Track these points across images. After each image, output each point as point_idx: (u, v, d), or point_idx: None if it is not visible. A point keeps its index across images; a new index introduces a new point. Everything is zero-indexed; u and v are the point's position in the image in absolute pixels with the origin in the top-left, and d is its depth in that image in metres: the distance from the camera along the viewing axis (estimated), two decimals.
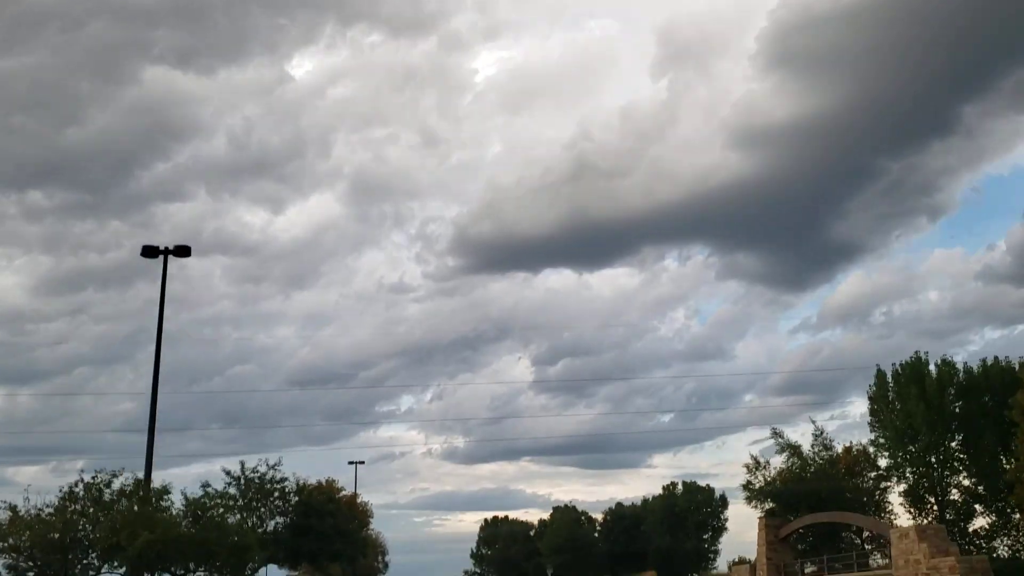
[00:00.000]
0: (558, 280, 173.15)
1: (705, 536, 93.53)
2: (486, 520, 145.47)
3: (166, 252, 30.67)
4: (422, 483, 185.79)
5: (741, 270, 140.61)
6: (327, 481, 60.68)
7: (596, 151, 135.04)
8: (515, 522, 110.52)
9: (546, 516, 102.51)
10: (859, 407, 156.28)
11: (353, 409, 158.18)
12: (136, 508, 28.22)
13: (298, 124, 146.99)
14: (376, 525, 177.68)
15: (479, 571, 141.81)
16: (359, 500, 63.34)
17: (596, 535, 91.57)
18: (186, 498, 34.90)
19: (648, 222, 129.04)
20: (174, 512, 31.99)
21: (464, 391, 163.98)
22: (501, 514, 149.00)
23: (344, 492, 61.52)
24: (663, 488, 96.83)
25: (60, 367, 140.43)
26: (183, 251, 30.63)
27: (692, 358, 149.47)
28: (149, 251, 30.34)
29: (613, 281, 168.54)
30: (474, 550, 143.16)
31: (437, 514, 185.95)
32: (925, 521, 46.91)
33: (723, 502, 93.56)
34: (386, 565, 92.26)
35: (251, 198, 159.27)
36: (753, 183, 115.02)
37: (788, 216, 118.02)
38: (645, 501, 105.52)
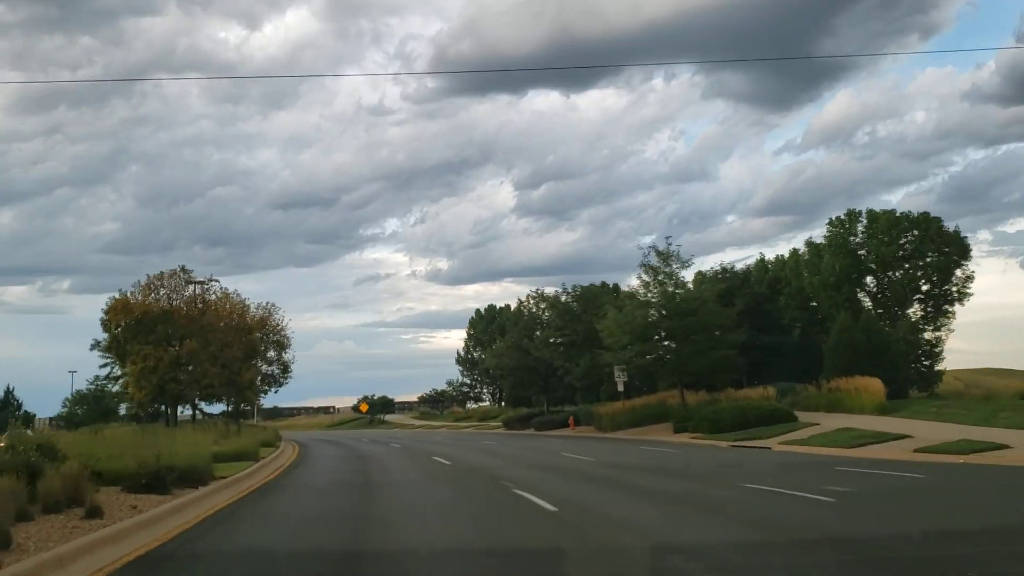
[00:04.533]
0: (544, 102, 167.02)
1: (917, 314, 47.78)
2: (478, 312, 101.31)
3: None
4: (408, 303, 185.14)
5: (727, 89, 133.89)
6: None
7: None
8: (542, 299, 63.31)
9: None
10: None
11: (337, 232, 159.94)
12: None
13: None
14: (362, 342, 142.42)
15: (468, 381, 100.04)
16: None
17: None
18: None
19: (635, 40, 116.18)
20: None
21: (447, 215, 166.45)
22: (501, 303, 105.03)
23: None
24: (831, 223, 49.89)
25: (39, 188, 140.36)
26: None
27: (676, 180, 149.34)
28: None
29: (600, 102, 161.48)
30: (461, 353, 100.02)
31: (423, 332, 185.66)
32: None
33: (960, 249, 47.01)
34: (284, 368, 46.15)
35: (224, 12, 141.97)
36: None
37: (775, 33, 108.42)
38: (764, 262, 59.53)
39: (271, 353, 45.59)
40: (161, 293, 37.90)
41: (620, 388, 42.15)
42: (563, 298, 46.93)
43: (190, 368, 37.21)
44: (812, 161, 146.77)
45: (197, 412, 48.86)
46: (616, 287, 54.46)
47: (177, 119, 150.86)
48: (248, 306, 44.35)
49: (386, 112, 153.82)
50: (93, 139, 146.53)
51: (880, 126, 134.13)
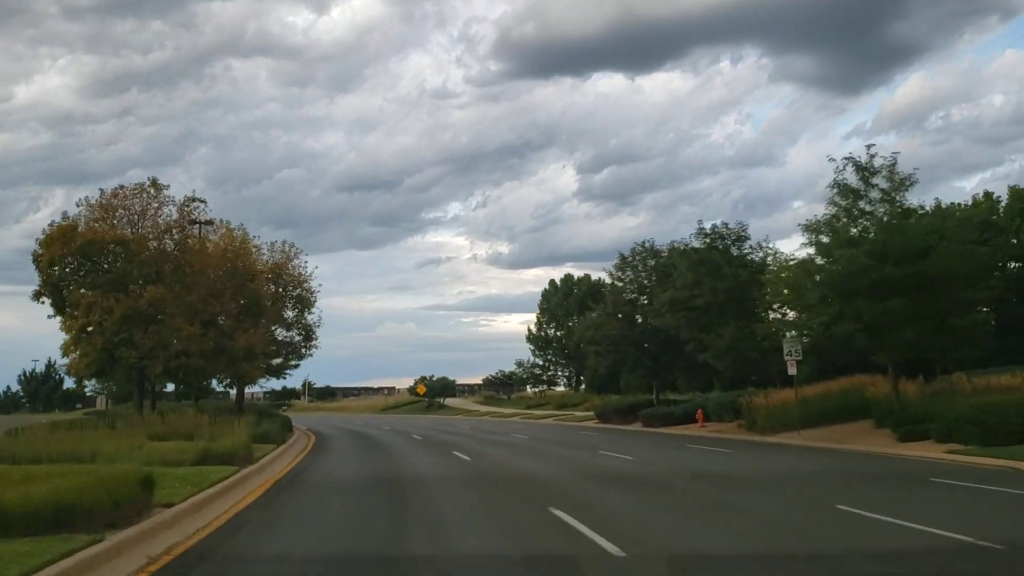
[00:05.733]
0: (608, 85, 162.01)
1: None
2: (553, 283, 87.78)
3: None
4: (468, 286, 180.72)
5: (795, 72, 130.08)
6: None
7: None
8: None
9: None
10: None
11: (400, 215, 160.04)
12: None
13: None
14: (423, 324, 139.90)
15: (540, 363, 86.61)
16: None
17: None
18: None
19: (700, 21, 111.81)
20: None
21: (509, 198, 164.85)
22: (578, 271, 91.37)
23: None
24: None
25: (112, 169, 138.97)
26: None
27: (741, 164, 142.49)
28: None
29: (665, 85, 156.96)
30: (532, 330, 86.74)
31: (484, 315, 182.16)
32: None
33: None
34: (307, 333, 33.70)
35: None
36: None
37: (845, 13, 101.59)
38: (940, 208, 44.38)
39: (289, 313, 33.09)
40: (120, 216, 25.61)
41: (792, 371, 28.32)
42: (696, 244, 33.07)
43: (157, 327, 24.80)
44: (883, 146, 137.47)
45: (216, 391, 37.12)
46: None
47: (246, 102, 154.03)
48: (259, 247, 32.01)
49: (449, 95, 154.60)
50: (164, 121, 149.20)
51: (954, 110, 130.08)
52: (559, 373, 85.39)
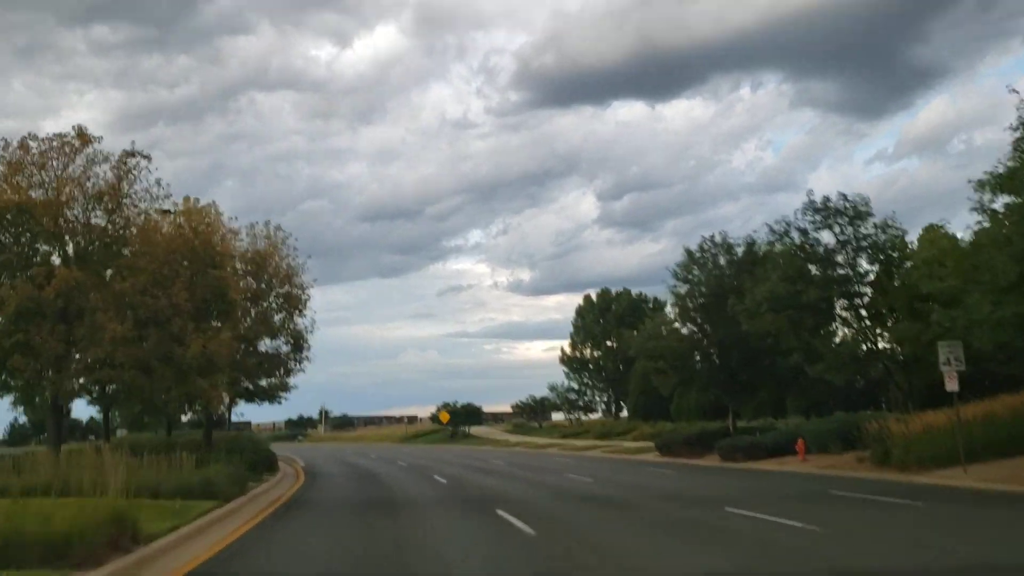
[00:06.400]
0: (628, 113, 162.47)
1: None
2: (588, 299, 79.65)
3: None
4: (490, 313, 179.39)
5: (815, 98, 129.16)
6: None
7: None
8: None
9: None
10: None
11: (421, 243, 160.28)
12: None
13: None
14: (445, 352, 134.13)
15: (576, 387, 78.51)
16: None
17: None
18: None
19: (720, 49, 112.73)
20: None
21: (529, 226, 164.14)
22: (615, 288, 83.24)
23: None
24: None
25: None
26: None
27: (763, 190, 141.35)
28: None
29: (686, 112, 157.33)
30: (565, 351, 78.74)
31: (505, 342, 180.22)
32: None
33: None
34: (297, 341, 26.10)
35: (316, 31, 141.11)
36: (829, 3, 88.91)
37: (865, 39, 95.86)
38: None
39: (276, 316, 25.72)
40: (31, 174, 18.59)
41: (953, 386, 20.48)
42: (802, 228, 25.20)
43: (70, 326, 17.60)
44: (905, 171, 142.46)
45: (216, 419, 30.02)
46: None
47: (271, 135, 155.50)
48: (235, 231, 24.84)
49: (470, 126, 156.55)
50: (191, 155, 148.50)
51: (977, 134, 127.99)
52: (596, 398, 77.28)
